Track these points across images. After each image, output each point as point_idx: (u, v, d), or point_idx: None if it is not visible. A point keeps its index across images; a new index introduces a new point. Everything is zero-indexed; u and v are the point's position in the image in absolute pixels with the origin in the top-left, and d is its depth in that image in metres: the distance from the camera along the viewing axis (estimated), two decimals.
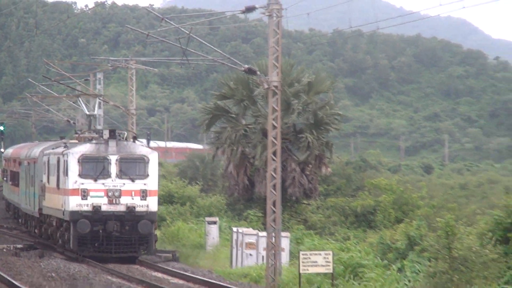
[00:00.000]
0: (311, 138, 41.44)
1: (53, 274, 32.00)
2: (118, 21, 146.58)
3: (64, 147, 35.19)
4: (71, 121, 68.76)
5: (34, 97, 73.17)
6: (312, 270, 29.63)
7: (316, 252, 31.84)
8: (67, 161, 32.78)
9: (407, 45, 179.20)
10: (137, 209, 32.26)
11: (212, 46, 37.33)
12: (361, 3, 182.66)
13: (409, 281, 29.86)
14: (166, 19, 38.71)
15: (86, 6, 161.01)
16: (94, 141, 33.87)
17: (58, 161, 34.79)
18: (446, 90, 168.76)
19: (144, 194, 32.64)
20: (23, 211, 47.24)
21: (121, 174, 32.47)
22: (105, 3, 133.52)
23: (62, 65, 69.68)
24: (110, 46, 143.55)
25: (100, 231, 31.68)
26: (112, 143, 32.99)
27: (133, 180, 32.55)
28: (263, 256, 33.29)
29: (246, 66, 32.75)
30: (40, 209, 39.21)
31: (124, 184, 32.45)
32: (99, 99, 56.69)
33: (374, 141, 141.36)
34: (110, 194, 32.21)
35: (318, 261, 29.99)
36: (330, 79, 48.69)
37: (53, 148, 38.39)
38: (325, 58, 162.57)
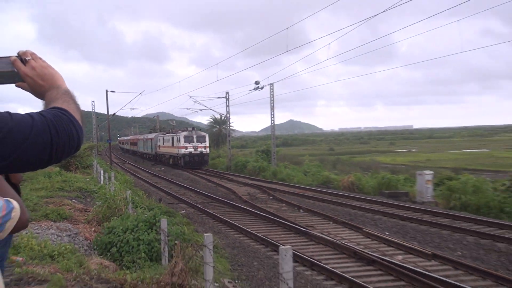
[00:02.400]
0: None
1: (158, 171, 39.53)
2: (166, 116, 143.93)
3: (174, 132, 42.51)
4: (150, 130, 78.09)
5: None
6: None
7: None
8: (179, 137, 39.39)
9: None
10: (203, 152, 39.05)
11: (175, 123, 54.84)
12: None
13: None
14: (172, 120, 56.56)
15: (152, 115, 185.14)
16: (187, 131, 40.42)
17: (173, 138, 41.47)
18: None
19: (205, 147, 39.39)
20: (141, 152, 57.35)
21: (197, 141, 39.12)
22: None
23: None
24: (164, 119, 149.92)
25: (192, 160, 38.55)
26: (193, 131, 40.13)
27: (201, 143, 39.17)
28: None
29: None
30: (155, 152, 48.60)
31: (198, 144, 39.06)
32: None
33: (235, 141, 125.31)
34: (195, 147, 38.89)
35: None
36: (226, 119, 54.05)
37: (161, 135, 47.50)
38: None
